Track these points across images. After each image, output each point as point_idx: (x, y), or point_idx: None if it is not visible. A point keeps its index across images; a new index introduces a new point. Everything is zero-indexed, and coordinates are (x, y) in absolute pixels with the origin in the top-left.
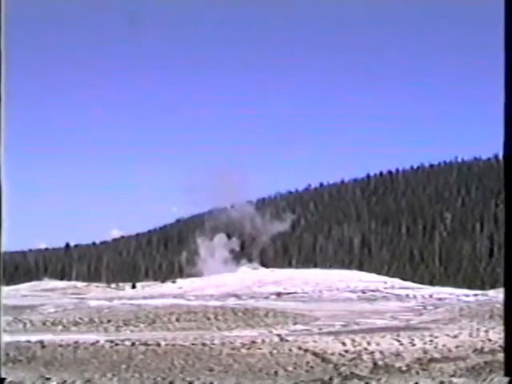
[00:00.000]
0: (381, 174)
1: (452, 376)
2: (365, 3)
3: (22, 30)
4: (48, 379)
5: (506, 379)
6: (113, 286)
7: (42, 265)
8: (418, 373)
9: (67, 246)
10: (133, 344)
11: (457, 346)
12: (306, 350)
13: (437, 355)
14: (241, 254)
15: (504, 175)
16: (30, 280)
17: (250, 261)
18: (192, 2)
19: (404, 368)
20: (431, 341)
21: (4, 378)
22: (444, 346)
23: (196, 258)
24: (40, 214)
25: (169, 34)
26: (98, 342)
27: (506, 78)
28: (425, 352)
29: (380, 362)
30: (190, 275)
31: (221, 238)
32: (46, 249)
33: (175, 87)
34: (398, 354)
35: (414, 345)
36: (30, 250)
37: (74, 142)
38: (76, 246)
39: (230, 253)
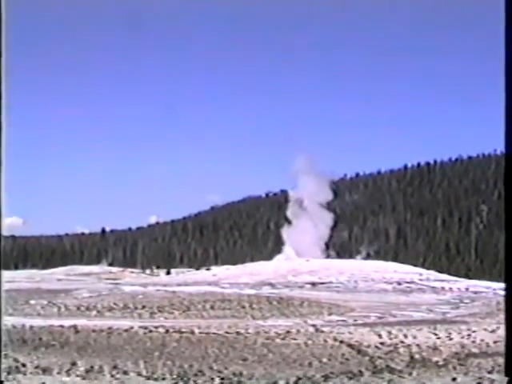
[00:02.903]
0: (418, 165)
1: (490, 372)
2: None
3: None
4: (74, 364)
5: (506, 379)
6: (147, 271)
7: (77, 249)
8: (455, 368)
9: (103, 230)
10: (167, 331)
11: (495, 342)
12: (341, 342)
13: (475, 350)
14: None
15: (504, 174)
16: (65, 264)
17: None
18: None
19: (441, 362)
20: (469, 335)
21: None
22: (482, 340)
23: None
24: (82, 200)
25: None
26: (131, 328)
27: (507, 77)
28: (462, 346)
29: (417, 356)
30: None
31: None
32: (83, 233)
33: (212, 78)
34: (435, 348)
35: (451, 339)
36: (67, 235)
37: (114, 131)
38: (112, 231)
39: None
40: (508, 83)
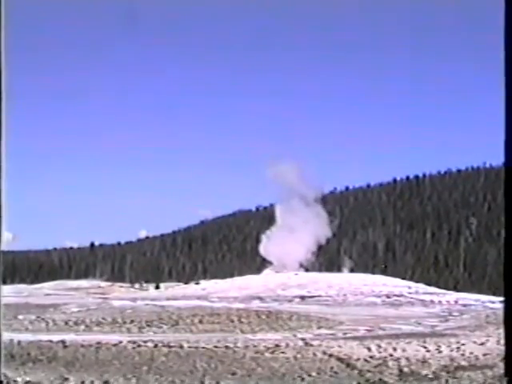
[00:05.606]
0: (407, 178)
1: None
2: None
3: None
4: (66, 379)
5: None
6: (136, 286)
7: (66, 264)
8: (446, 381)
9: (92, 245)
10: (155, 345)
11: (484, 354)
12: (330, 355)
13: (464, 363)
14: None
15: (504, 186)
16: (53, 279)
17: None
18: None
19: (431, 375)
20: (458, 348)
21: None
22: (471, 353)
23: None
24: (71, 214)
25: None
26: (120, 342)
27: (507, 80)
28: (452, 359)
29: (406, 369)
30: None
31: None
32: (71, 248)
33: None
34: (424, 361)
35: (440, 352)
36: (55, 249)
37: (103, 143)
38: (101, 245)
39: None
40: (508, 93)
